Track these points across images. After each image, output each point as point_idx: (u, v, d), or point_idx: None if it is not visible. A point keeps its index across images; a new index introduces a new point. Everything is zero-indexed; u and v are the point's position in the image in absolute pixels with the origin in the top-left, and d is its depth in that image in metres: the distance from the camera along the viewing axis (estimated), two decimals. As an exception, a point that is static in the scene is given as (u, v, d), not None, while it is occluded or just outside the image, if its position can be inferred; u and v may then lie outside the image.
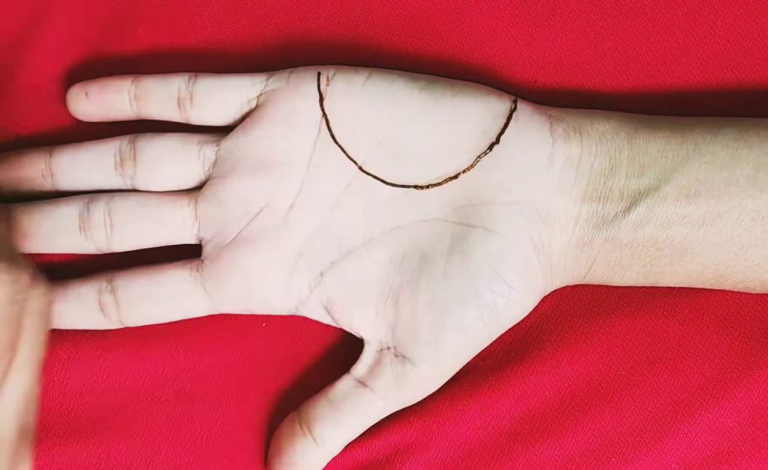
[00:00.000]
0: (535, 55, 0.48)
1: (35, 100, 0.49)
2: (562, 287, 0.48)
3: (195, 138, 0.47)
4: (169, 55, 0.49)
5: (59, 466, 0.46)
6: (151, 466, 0.47)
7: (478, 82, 0.47)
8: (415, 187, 0.46)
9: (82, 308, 0.47)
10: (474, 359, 0.47)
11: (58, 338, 0.47)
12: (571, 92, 0.48)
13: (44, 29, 0.49)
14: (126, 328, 0.48)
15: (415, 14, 0.48)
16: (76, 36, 0.49)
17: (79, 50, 0.49)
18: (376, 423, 0.47)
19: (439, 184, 0.45)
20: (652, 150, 0.45)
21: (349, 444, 0.47)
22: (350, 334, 0.48)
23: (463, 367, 0.47)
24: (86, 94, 0.47)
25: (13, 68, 0.49)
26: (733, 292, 0.48)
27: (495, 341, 0.47)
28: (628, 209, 0.45)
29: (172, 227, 0.47)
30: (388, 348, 0.46)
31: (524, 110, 0.46)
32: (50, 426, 0.47)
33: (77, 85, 0.48)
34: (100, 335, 0.48)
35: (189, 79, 0.47)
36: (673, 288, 0.48)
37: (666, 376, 0.47)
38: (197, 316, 0.47)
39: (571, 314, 0.48)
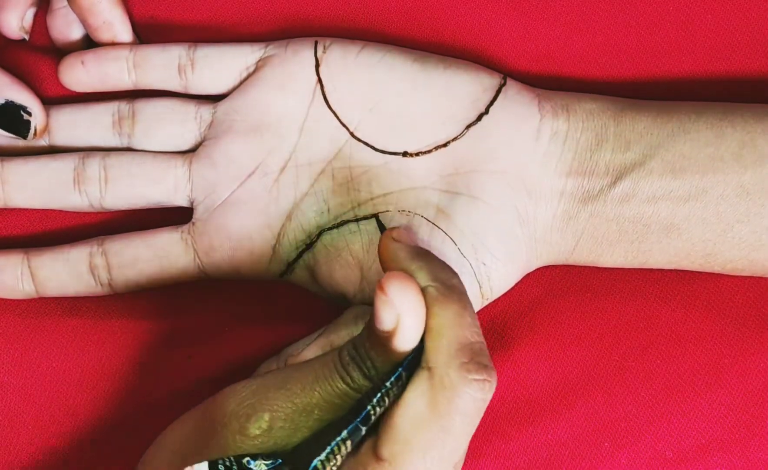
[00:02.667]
0: (528, 47, 0.49)
1: (29, 75, 0.50)
2: (554, 271, 0.48)
3: (193, 100, 0.48)
4: (166, 39, 0.50)
5: None
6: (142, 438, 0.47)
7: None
8: (405, 154, 0.46)
9: (72, 271, 0.47)
10: None
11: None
12: (563, 83, 0.49)
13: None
14: (120, 307, 0.48)
15: (410, 5, 0.50)
16: None
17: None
18: None
19: (428, 151, 0.46)
20: (638, 127, 0.46)
21: None
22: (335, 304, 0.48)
23: None
24: (82, 62, 0.48)
25: (8, 43, 0.50)
26: (724, 277, 0.48)
27: (488, 325, 0.48)
28: (613, 184, 0.45)
29: (166, 186, 0.47)
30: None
31: (513, 86, 0.47)
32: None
33: (72, 54, 0.49)
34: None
35: (189, 48, 0.48)
36: (666, 274, 0.48)
37: (659, 362, 0.47)
38: (187, 280, 0.48)
39: (564, 298, 0.48)
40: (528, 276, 0.48)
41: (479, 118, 0.46)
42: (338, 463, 0.37)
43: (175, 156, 0.48)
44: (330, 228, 0.46)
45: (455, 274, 0.39)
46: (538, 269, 0.48)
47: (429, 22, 0.49)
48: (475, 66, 0.47)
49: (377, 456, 0.37)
